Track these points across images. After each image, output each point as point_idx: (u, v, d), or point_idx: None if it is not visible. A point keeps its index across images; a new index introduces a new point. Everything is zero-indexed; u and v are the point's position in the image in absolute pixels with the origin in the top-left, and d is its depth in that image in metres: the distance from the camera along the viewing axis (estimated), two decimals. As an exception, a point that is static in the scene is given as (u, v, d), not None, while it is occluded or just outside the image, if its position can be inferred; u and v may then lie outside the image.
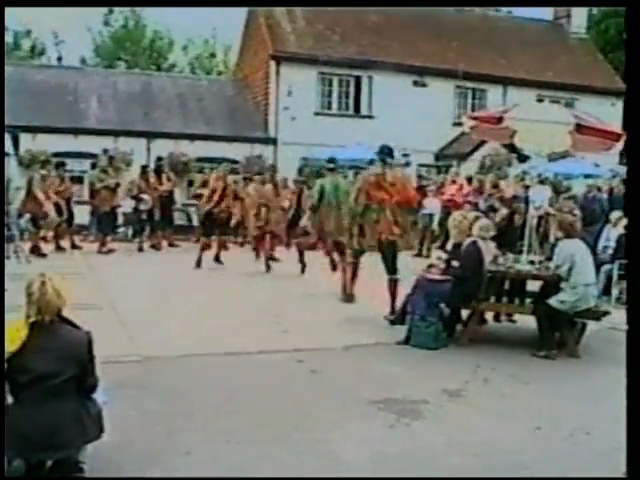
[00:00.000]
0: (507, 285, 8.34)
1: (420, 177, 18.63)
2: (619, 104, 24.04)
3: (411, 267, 9.45)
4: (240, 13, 25.35)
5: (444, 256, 7.90)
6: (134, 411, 4.99)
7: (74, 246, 14.46)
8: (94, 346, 3.89)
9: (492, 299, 8.07)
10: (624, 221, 11.20)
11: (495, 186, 13.80)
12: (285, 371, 6.38)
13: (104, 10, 34.47)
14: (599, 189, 14.19)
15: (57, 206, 13.63)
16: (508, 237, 9.53)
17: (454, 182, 15.89)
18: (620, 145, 7.82)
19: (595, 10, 30.32)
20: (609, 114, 20.34)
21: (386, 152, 8.81)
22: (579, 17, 26.43)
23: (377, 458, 4.52)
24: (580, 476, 4.38)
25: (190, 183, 19.59)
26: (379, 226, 8.59)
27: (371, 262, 9.23)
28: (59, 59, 31.80)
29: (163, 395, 5.49)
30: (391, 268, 8.63)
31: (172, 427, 4.82)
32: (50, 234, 14.02)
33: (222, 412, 5.19)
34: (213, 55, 37.77)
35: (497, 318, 8.63)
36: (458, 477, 4.38)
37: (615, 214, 11.87)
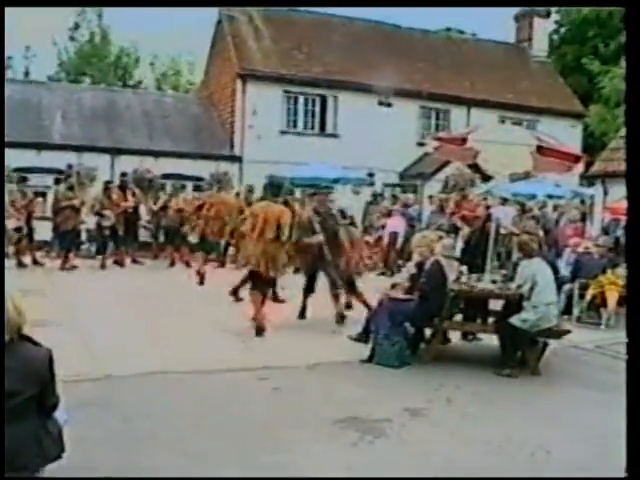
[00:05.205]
0: (470, 304, 8.42)
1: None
2: (578, 126, 24.65)
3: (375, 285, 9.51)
4: (207, 30, 25.40)
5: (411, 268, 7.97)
6: (96, 431, 4.92)
7: (35, 262, 14.26)
8: (55, 364, 3.83)
9: (455, 317, 8.14)
10: (582, 245, 11.49)
11: (458, 205, 13.96)
12: (249, 389, 6.35)
13: (70, 24, 34.21)
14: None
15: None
16: (471, 256, 9.62)
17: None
18: (579, 167, 7.98)
19: (555, 35, 31.01)
20: (569, 136, 20.80)
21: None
22: (540, 41, 26.99)
23: (340, 476, 4.52)
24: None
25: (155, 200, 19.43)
26: None
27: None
28: (26, 73, 31.42)
29: (125, 414, 5.42)
30: None
31: (135, 448, 4.77)
32: (11, 250, 13.80)
33: (186, 432, 5.14)
34: (179, 72, 37.70)
35: (465, 336, 8.69)
36: (457, 477, 4.41)
37: (573, 240, 12.11)
